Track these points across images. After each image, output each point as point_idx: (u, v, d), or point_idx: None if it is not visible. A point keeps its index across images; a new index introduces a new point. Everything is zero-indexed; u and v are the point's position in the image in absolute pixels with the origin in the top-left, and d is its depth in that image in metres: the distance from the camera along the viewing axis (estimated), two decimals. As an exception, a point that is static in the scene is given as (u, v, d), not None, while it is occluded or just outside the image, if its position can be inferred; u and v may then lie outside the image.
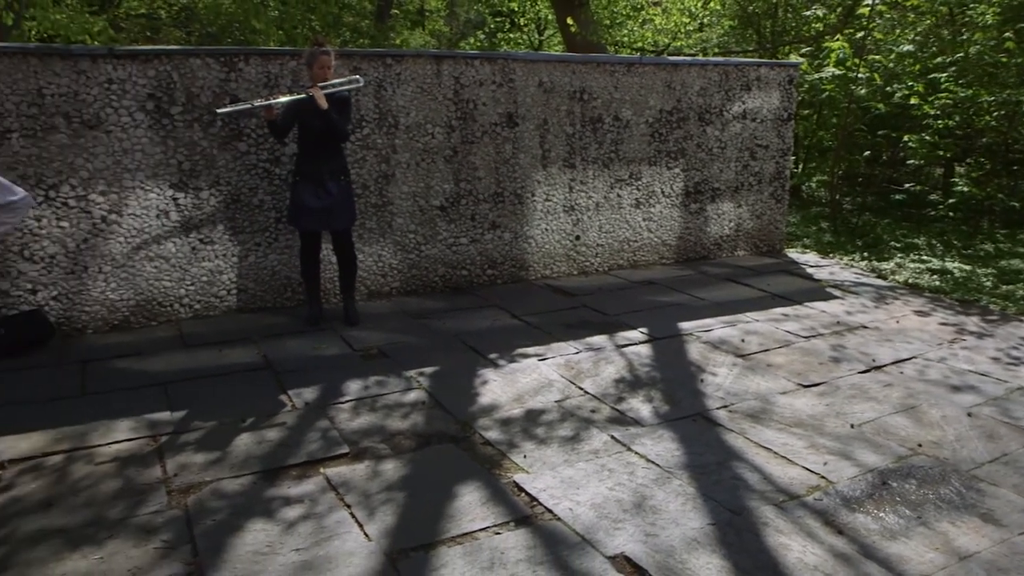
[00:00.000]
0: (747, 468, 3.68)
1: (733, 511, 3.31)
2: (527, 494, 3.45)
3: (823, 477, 3.60)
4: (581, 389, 4.61)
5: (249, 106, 5.18)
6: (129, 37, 14.12)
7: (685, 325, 5.77)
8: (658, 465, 3.70)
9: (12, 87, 5.04)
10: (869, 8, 9.61)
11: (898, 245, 8.63)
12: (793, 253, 8.48)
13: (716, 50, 14.04)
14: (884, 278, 7.39)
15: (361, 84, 5.47)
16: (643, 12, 11.05)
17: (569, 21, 10.06)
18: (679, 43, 10.80)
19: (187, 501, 3.40)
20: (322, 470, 3.67)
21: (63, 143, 5.24)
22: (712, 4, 10.81)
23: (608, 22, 10.96)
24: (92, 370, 4.89)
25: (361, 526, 3.20)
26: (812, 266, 7.84)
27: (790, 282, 7.15)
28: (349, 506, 3.35)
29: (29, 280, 5.32)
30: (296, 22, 11.57)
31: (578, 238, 7.29)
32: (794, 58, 10.93)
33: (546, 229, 7.11)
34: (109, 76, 5.29)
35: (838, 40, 9.87)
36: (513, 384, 4.68)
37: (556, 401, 4.43)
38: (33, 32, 9.30)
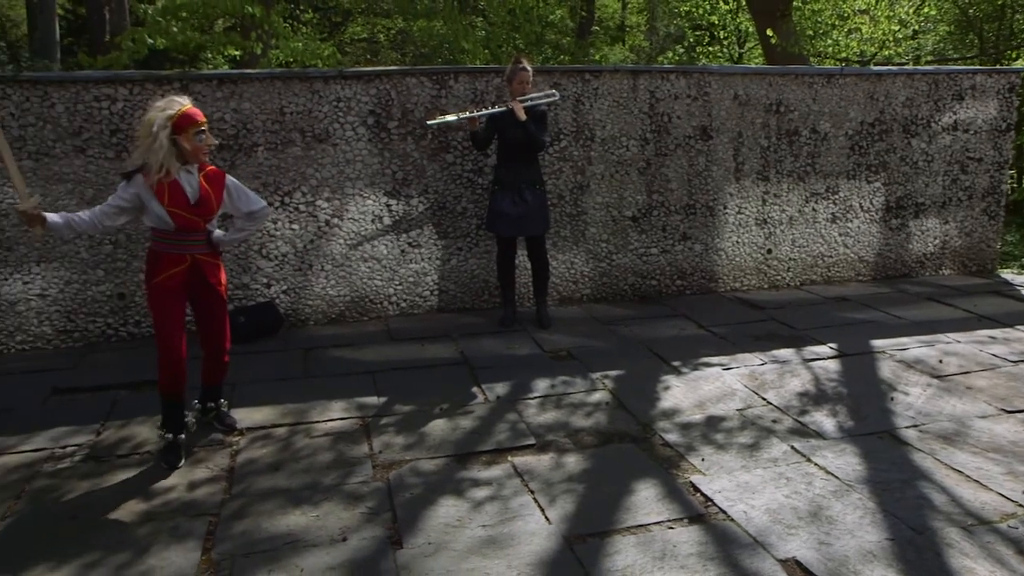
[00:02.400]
0: (934, 489, 3.58)
1: (915, 529, 3.25)
2: (702, 494, 3.56)
3: (1021, 505, 3.44)
4: (764, 400, 4.63)
5: (455, 118, 5.63)
6: (352, 59, 15.40)
7: (878, 343, 5.60)
8: (838, 478, 3.68)
9: (261, 107, 5.79)
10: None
11: None
12: (1007, 274, 7.90)
13: (929, 58, 13.24)
14: (1116, 304, 6.74)
15: (557, 99, 5.78)
16: (849, 21, 10.65)
17: (769, 33, 9.90)
18: (887, 52, 10.30)
19: (389, 475, 3.80)
20: (509, 458, 3.96)
21: (297, 155, 5.94)
22: (926, 9, 10.23)
23: (811, 32, 10.66)
24: (312, 357, 5.50)
25: (543, 510, 3.45)
26: (1030, 288, 7.29)
27: (1001, 304, 6.69)
28: (532, 492, 3.61)
29: (265, 275, 6.06)
30: (501, 41, 12.14)
31: (770, 252, 7.22)
32: (1021, 64, 10.14)
33: (737, 242, 7.10)
34: (338, 95, 5.93)
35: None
36: (695, 391, 4.78)
37: (737, 409, 4.49)
38: (274, 59, 10.44)
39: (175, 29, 8.76)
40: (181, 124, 3.72)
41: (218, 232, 4.04)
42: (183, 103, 3.77)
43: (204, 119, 3.83)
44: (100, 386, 5.01)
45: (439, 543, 3.21)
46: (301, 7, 17.08)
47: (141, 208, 3.84)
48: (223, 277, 4.13)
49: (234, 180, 4.09)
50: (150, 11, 8.42)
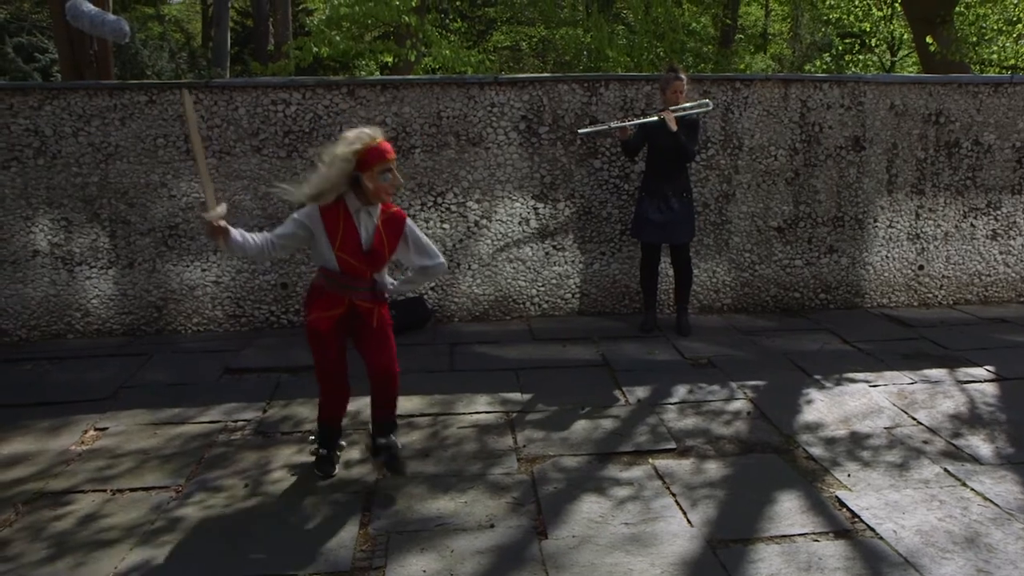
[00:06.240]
0: (1105, 523, 3.41)
1: (1084, 564, 3.11)
2: (848, 510, 3.52)
3: None
4: (914, 419, 4.50)
5: (606, 127, 5.74)
6: (496, 66, 15.79)
7: (1042, 368, 5.31)
8: (997, 505, 3.55)
9: (419, 111, 6.10)
10: None
11: None
12: None
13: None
14: None
15: (710, 108, 5.79)
16: (1019, 26, 10.03)
17: (928, 40, 9.50)
18: (1065, 58, 9.66)
19: (533, 469, 3.93)
20: (650, 460, 4.02)
21: (451, 157, 6.21)
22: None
23: (974, 39, 10.12)
24: (458, 352, 5.73)
25: (684, 513, 3.50)
26: None
27: None
28: (674, 494, 3.66)
29: (415, 272, 6.35)
30: (643, 50, 12.18)
31: (921, 268, 6.95)
32: None
33: (886, 256, 6.88)
34: (492, 100, 6.16)
35: None
36: (840, 406, 4.69)
37: (885, 427, 4.38)
38: (424, 66, 10.94)
39: (337, 38, 9.35)
40: (367, 160, 3.32)
41: (387, 279, 3.74)
42: (374, 137, 3.36)
43: (393, 156, 3.40)
44: (265, 368, 5.42)
45: (583, 537, 3.32)
46: (450, 16, 17.65)
47: (310, 239, 3.53)
48: (386, 314, 3.74)
49: (414, 228, 3.67)
50: (315, 22, 9.02)
